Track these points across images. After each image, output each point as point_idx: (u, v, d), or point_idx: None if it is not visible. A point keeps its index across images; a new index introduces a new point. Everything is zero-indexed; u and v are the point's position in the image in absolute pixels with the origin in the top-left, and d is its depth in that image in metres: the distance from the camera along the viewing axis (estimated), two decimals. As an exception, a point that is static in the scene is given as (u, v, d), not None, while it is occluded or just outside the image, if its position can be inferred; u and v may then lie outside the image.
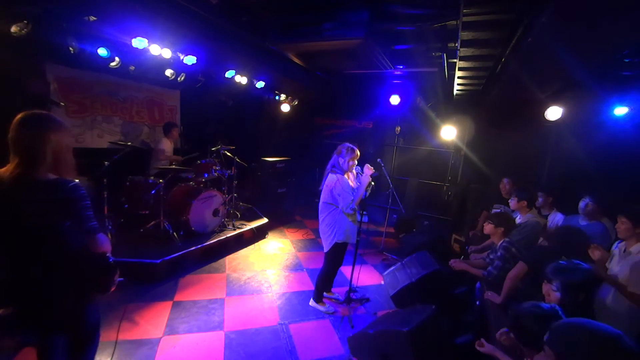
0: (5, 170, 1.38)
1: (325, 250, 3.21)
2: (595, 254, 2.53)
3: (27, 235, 1.40)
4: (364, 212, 3.12)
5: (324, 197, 3.13)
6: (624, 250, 2.39)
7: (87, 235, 1.49)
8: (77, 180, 1.48)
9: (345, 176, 3.10)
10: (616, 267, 2.38)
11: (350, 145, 3.11)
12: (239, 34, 4.38)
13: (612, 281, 2.28)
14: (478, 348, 1.90)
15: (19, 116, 1.41)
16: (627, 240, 2.38)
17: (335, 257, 3.23)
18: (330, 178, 3.06)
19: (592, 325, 1.15)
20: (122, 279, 1.69)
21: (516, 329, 1.66)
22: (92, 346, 1.72)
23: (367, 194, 3.06)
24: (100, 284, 1.58)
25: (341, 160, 3.08)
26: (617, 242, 2.53)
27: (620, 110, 3.95)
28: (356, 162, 3.14)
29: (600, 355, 1.07)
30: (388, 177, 4.59)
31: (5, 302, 1.45)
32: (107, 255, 1.60)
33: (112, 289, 1.62)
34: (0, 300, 1.46)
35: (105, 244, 1.56)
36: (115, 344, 2.41)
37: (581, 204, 3.11)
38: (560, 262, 1.84)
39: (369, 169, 3.00)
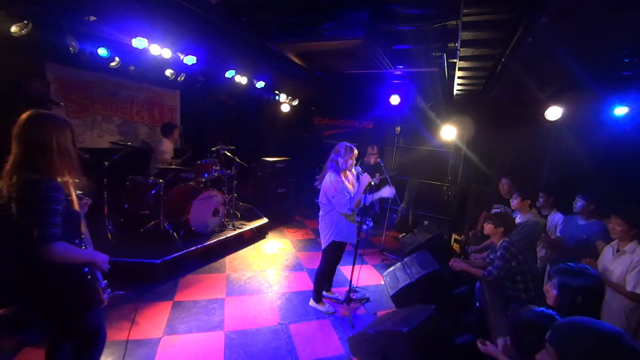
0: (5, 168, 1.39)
1: (323, 247, 3.22)
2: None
3: (16, 236, 1.38)
4: (365, 219, 3.12)
5: (320, 197, 3.13)
6: (617, 250, 2.38)
7: (37, 241, 1.31)
8: (56, 181, 1.41)
9: (343, 176, 3.08)
10: (610, 266, 2.38)
11: (349, 144, 3.10)
12: (239, 34, 4.38)
13: (613, 285, 2.27)
14: (479, 345, 1.90)
15: (22, 115, 1.41)
16: (620, 240, 2.36)
17: (332, 255, 3.24)
18: (325, 180, 3.05)
19: (594, 323, 1.16)
20: (122, 292, 1.66)
21: (513, 337, 1.66)
22: (94, 350, 1.72)
23: (372, 198, 3.08)
24: (82, 298, 1.52)
25: (340, 160, 3.07)
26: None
27: (620, 110, 3.94)
28: (354, 161, 3.14)
29: (601, 353, 1.08)
30: (388, 177, 4.59)
31: (10, 302, 1.45)
32: (80, 267, 1.51)
33: (105, 302, 1.57)
34: (2, 300, 1.46)
35: (59, 255, 1.37)
36: (127, 344, 2.42)
37: (575, 203, 3.12)
38: (570, 263, 1.84)
39: (368, 177, 3.01)
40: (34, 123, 1.41)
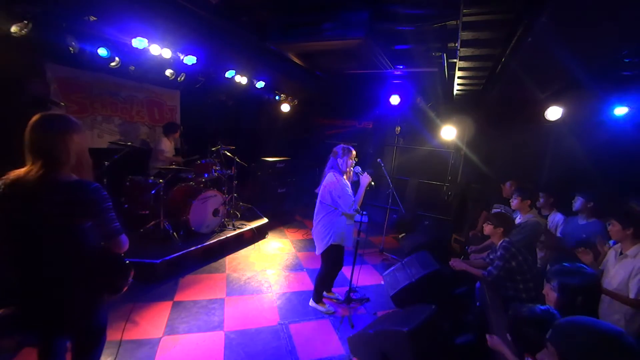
0: (28, 171, 1.36)
1: (319, 252, 3.18)
2: (585, 258, 2.49)
3: (47, 235, 1.39)
4: (364, 212, 3.13)
5: (322, 198, 3.11)
6: (620, 253, 2.33)
7: (109, 237, 1.48)
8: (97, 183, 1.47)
9: (345, 177, 3.09)
10: (612, 269, 2.33)
11: (346, 145, 3.11)
12: (239, 34, 4.38)
13: (612, 294, 2.22)
14: (488, 338, 1.89)
15: (36, 118, 1.38)
16: (622, 243, 2.31)
17: (332, 258, 3.21)
18: (329, 179, 3.05)
19: (594, 323, 1.16)
20: (131, 279, 1.69)
21: (514, 334, 1.67)
22: (98, 348, 1.72)
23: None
24: (114, 285, 1.57)
25: (339, 162, 3.08)
26: (612, 241, 2.51)
27: (620, 110, 3.94)
28: (353, 161, 3.14)
29: (602, 352, 1.08)
30: (388, 177, 4.59)
31: (10, 302, 1.44)
32: (123, 256, 1.59)
33: (125, 290, 1.61)
34: (6, 300, 1.45)
35: (126, 244, 1.56)
36: (120, 344, 2.41)
37: (573, 202, 3.12)
38: (565, 264, 1.84)
39: (368, 176, 3.03)
40: (64, 125, 1.41)
